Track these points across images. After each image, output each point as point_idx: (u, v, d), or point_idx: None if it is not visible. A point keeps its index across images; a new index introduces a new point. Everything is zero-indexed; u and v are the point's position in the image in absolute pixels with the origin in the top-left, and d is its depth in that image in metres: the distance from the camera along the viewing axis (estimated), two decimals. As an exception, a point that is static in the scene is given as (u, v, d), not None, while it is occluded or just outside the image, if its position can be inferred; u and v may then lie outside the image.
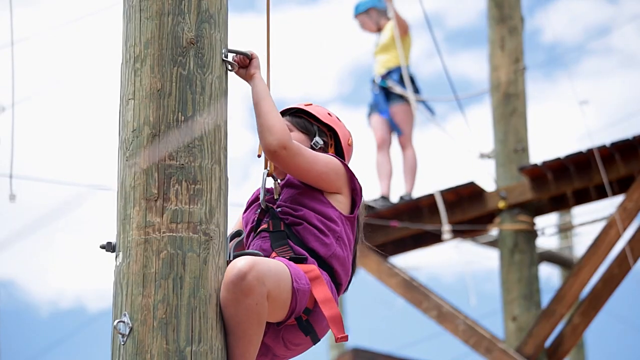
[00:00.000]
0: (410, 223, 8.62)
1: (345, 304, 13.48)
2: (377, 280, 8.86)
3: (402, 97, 8.99)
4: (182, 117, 3.14)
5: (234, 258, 3.22)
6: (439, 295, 8.63)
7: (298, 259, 3.48)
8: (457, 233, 8.83)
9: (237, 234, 3.28)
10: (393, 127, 9.06)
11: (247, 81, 3.52)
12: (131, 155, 3.14)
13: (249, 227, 3.67)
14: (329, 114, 3.81)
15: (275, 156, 3.49)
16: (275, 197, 3.66)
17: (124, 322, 3.03)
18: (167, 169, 3.11)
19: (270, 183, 3.66)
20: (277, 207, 3.62)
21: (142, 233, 3.08)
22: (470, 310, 9.69)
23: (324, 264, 3.55)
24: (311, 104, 3.82)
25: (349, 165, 3.69)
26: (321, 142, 3.74)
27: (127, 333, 3.02)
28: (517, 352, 8.11)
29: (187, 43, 3.19)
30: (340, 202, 3.64)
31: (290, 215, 3.58)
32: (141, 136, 3.14)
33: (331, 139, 3.80)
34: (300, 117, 3.77)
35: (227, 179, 3.24)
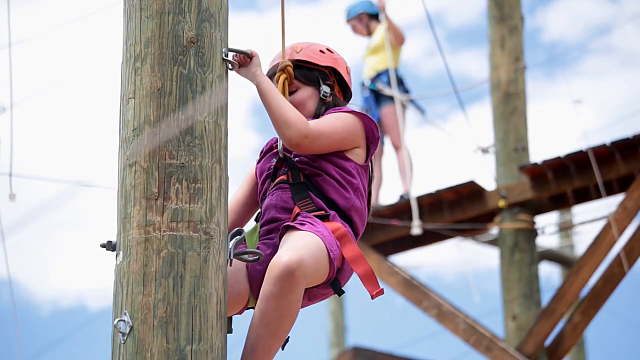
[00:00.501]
0: (410, 222, 8.62)
1: (345, 303, 13.49)
2: (378, 279, 8.85)
3: (392, 99, 9.03)
4: (183, 116, 3.15)
5: (235, 257, 3.22)
6: (439, 294, 8.63)
7: (322, 216, 3.53)
8: (457, 232, 8.84)
9: (237, 232, 3.28)
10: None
11: (250, 80, 3.53)
12: (131, 154, 3.14)
13: (264, 175, 3.72)
14: (321, 51, 3.82)
15: (298, 147, 3.56)
16: None
17: (124, 321, 3.03)
18: (167, 168, 3.11)
19: None
20: (294, 157, 3.67)
21: (142, 232, 3.08)
22: (470, 309, 9.70)
23: (343, 215, 3.62)
24: (301, 48, 3.82)
25: (364, 113, 3.73)
26: (328, 90, 3.79)
27: (127, 332, 3.02)
28: (517, 351, 8.11)
29: (188, 42, 3.19)
30: (357, 154, 3.70)
31: (308, 166, 3.63)
32: (141, 135, 3.14)
33: (332, 75, 3.84)
34: (299, 68, 3.78)
35: (227, 178, 3.24)
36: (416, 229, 8.45)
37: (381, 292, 3.46)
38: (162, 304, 3.02)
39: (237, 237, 3.25)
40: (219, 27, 3.27)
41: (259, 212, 3.75)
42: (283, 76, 3.70)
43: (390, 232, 8.84)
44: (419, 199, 8.70)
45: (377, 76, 9.19)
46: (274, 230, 3.60)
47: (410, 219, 8.64)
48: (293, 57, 3.79)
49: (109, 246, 3.17)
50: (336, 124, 3.63)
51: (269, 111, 3.53)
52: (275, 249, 3.51)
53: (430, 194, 8.68)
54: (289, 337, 3.46)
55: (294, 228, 3.46)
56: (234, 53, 3.40)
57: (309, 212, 3.55)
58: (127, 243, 3.09)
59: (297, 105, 3.71)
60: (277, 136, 3.65)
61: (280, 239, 3.50)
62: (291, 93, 3.75)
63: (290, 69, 3.71)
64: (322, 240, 3.41)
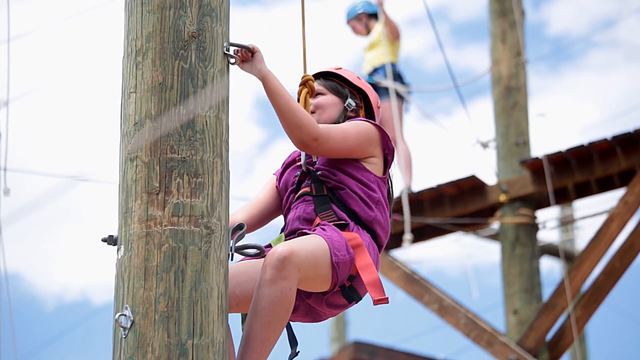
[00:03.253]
0: (412, 216, 8.62)
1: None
2: (379, 274, 8.85)
3: (390, 93, 9.04)
4: (184, 111, 3.15)
5: (236, 251, 3.23)
6: (440, 288, 8.63)
7: (341, 225, 3.60)
8: (458, 226, 8.84)
9: (239, 227, 3.28)
10: None
11: (255, 76, 3.53)
12: (133, 148, 3.14)
13: (288, 188, 3.78)
14: (358, 77, 3.91)
15: (308, 149, 3.61)
16: (314, 160, 3.75)
17: (125, 315, 3.03)
18: (168, 162, 3.11)
19: None
20: (316, 170, 3.72)
21: (143, 226, 3.08)
22: (471, 304, 9.70)
23: (365, 227, 3.68)
24: (341, 68, 3.91)
25: (379, 124, 3.78)
26: (353, 104, 3.86)
27: (128, 326, 3.03)
28: (518, 346, 8.11)
29: (189, 36, 3.19)
30: (374, 164, 3.75)
31: (330, 179, 3.69)
32: (143, 129, 3.14)
33: (361, 102, 3.91)
34: (331, 81, 3.87)
35: (228, 172, 3.24)
36: (407, 235, 8.44)
37: (385, 300, 3.53)
38: (164, 298, 3.02)
39: (239, 231, 3.26)
40: (220, 21, 3.27)
41: (284, 224, 3.80)
42: (305, 90, 3.76)
43: (391, 226, 8.83)
44: (420, 194, 8.70)
45: (375, 71, 9.20)
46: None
47: (412, 214, 8.64)
48: (330, 69, 3.88)
49: (110, 240, 3.17)
50: (349, 130, 3.68)
51: (279, 111, 3.55)
52: None
53: (431, 189, 8.68)
54: (298, 351, 3.55)
55: (304, 233, 3.54)
56: (236, 48, 3.40)
57: (330, 222, 3.60)
58: (129, 237, 3.09)
59: (318, 107, 3.80)
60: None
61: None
62: (315, 97, 3.82)
63: (312, 83, 3.76)
64: (327, 241, 3.47)
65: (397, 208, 8.77)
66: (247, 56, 3.49)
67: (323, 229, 3.54)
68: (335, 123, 3.79)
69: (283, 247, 3.36)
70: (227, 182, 3.22)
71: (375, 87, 9.17)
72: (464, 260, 10.94)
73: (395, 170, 9.13)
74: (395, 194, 8.92)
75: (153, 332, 3.00)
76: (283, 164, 3.90)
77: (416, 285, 8.62)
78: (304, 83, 3.76)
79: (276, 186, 3.87)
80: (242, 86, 3.61)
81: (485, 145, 8.85)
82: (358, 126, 3.71)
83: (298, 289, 3.44)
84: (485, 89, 9.14)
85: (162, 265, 3.05)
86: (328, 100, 3.82)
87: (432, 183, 8.70)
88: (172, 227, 3.07)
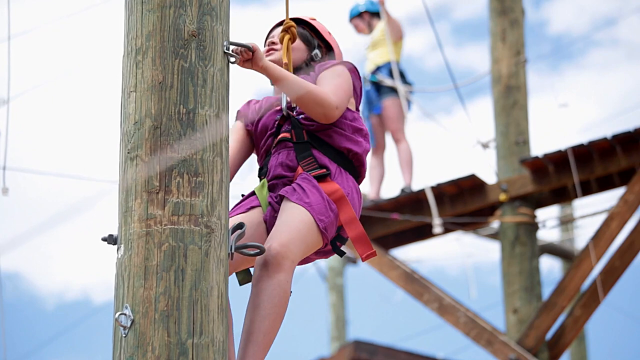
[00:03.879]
0: (411, 215, 8.62)
1: (346, 297, 13.49)
2: (378, 273, 8.86)
3: (393, 91, 9.05)
4: (184, 110, 3.14)
5: (236, 250, 3.23)
6: (440, 287, 8.64)
7: (321, 176, 3.67)
8: (458, 225, 8.84)
9: (239, 226, 3.28)
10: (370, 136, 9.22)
11: (260, 72, 3.60)
12: (133, 147, 3.14)
13: (267, 131, 3.85)
14: (329, 33, 4.00)
15: (331, 119, 3.70)
16: (293, 105, 3.82)
17: (125, 314, 3.03)
18: (168, 161, 3.11)
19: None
20: (297, 115, 3.79)
21: (143, 225, 3.08)
22: (471, 303, 9.71)
23: (351, 164, 3.77)
24: (315, 19, 4.00)
25: (349, 62, 3.87)
26: (320, 56, 3.96)
27: (128, 325, 3.03)
28: (518, 345, 8.11)
29: (189, 35, 3.19)
30: (352, 103, 3.86)
31: (314, 122, 3.74)
32: (143, 129, 3.14)
33: (326, 55, 4.00)
34: (303, 29, 3.96)
35: (228, 171, 3.24)
36: (437, 227, 8.46)
37: (373, 254, 3.60)
38: (164, 297, 3.02)
39: (239, 230, 3.26)
40: (220, 20, 3.27)
41: (260, 168, 3.87)
42: (287, 36, 3.82)
43: (391, 225, 8.84)
44: (420, 193, 8.69)
45: (378, 69, 9.23)
46: (280, 185, 3.73)
47: (411, 212, 8.64)
48: (305, 17, 3.96)
49: (110, 240, 3.17)
50: (344, 85, 3.77)
51: (293, 94, 3.64)
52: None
53: (431, 187, 8.68)
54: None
55: (287, 200, 3.60)
56: (235, 46, 3.40)
57: (310, 171, 3.67)
58: (129, 237, 3.09)
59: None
60: (273, 95, 3.83)
61: (279, 203, 3.66)
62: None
63: (294, 30, 3.83)
64: (311, 213, 3.55)
65: (396, 206, 8.77)
66: (248, 55, 3.51)
67: (304, 193, 3.59)
68: (298, 68, 3.88)
69: (277, 244, 3.44)
70: (227, 181, 3.21)
71: (378, 85, 9.18)
72: (464, 259, 10.95)
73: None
74: (396, 193, 8.93)
75: (153, 331, 3.00)
76: (257, 105, 3.96)
77: (416, 284, 8.62)
78: (287, 29, 3.81)
79: (247, 130, 3.94)
80: (242, 85, 3.63)
81: (485, 146, 8.85)
82: (343, 74, 3.80)
83: None
84: (487, 88, 9.13)
85: (162, 265, 3.05)
86: (296, 45, 3.89)
87: (432, 182, 8.70)
88: (172, 226, 3.07)
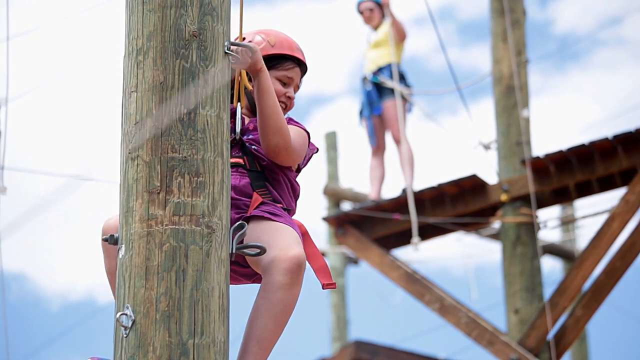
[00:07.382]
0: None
1: (347, 297, 13.49)
2: (380, 273, 8.87)
3: (394, 92, 9.07)
4: (185, 110, 3.14)
5: (236, 250, 3.22)
6: (441, 287, 8.64)
7: (286, 209, 3.65)
8: (459, 226, 8.84)
9: (240, 226, 3.28)
10: (371, 135, 9.25)
11: (252, 74, 3.56)
12: (134, 148, 3.14)
13: None
14: (291, 47, 3.82)
15: (276, 155, 3.63)
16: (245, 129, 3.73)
17: (126, 314, 3.03)
18: (169, 161, 3.11)
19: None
20: (248, 143, 3.69)
21: (144, 226, 3.08)
22: (472, 303, 9.71)
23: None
24: (274, 42, 3.79)
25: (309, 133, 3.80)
26: (293, 95, 3.82)
27: (129, 326, 3.02)
28: (520, 345, 8.11)
29: (190, 36, 3.19)
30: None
31: (265, 157, 3.67)
32: (143, 129, 3.14)
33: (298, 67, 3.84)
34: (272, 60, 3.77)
35: (229, 171, 3.24)
36: (415, 239, 8.46)
37: (333, 285, 3.55)
38: (165, 297, 3.02)
39: (240, 231, 3.25)
40: (221, 20, 3.27)
41: None
42: (246, 80, 3.69)
43: (392, 226, 8.84)
44: (421, 193, 8.69)
45: (379, 70, 9.24)
46: (234, 207, 3.57)
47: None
48: (268, 52, 3.77)
49: (111, 240, 3.17)
50: (302, 146, 3.71)
51: (264, 113, 3.57)
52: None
53: (432, 188, 8.68)
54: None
55: (267, 219, 3.52)
56: (236, 47, 3.41)
57: (270, 201, 3.63)
58: (130, 237, 3.09)
59: (292, 99, 3.81)
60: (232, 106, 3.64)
61: (245, 221, 3.51)
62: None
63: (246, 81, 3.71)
64: (290, 225, 3.52)
65: (397, 207, 8.77)
66: (248, 55, 3.50)
67: (284, 217, 3.55)
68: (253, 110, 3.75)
69: (298, 252, 3.37)
70: (228, 181, 3.21)
71: (380, 86, 9.19)
72: (465, 259, 10.95)
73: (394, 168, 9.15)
74: (397, 193, 8.93)
75: (154, 331, 3.00)
76: None
77: (417, 284, 8.62)
78: (255, 74, 3.60)
79: None
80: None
81: (487, 147, 8.85)
82: (304, 138, 3.73)
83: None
84: (489, 89, 9.13)
85: (163, 265, 3.05)
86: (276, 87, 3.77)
87: (433, 182, 8.70)
88: (173, 227, 3.07)
